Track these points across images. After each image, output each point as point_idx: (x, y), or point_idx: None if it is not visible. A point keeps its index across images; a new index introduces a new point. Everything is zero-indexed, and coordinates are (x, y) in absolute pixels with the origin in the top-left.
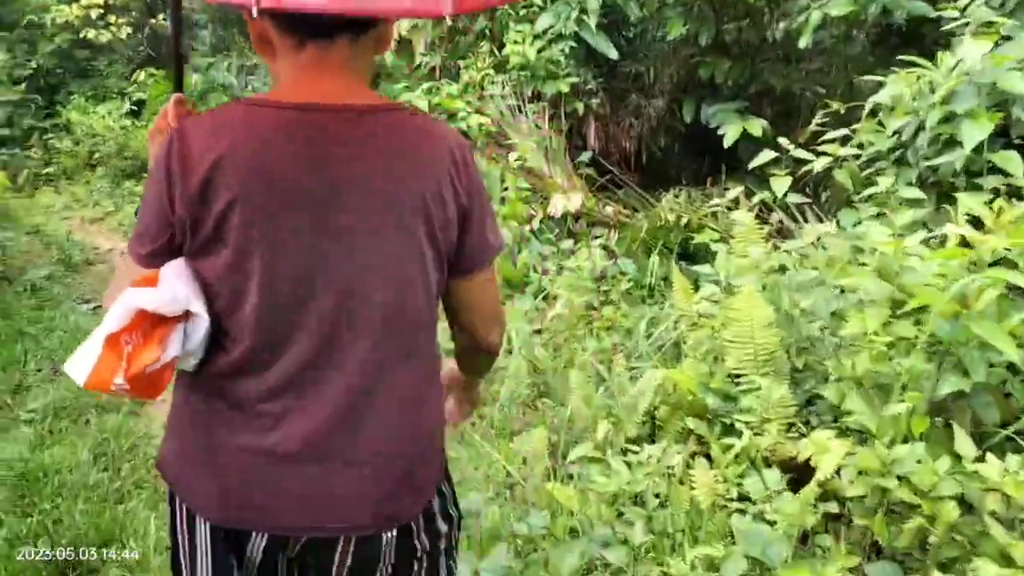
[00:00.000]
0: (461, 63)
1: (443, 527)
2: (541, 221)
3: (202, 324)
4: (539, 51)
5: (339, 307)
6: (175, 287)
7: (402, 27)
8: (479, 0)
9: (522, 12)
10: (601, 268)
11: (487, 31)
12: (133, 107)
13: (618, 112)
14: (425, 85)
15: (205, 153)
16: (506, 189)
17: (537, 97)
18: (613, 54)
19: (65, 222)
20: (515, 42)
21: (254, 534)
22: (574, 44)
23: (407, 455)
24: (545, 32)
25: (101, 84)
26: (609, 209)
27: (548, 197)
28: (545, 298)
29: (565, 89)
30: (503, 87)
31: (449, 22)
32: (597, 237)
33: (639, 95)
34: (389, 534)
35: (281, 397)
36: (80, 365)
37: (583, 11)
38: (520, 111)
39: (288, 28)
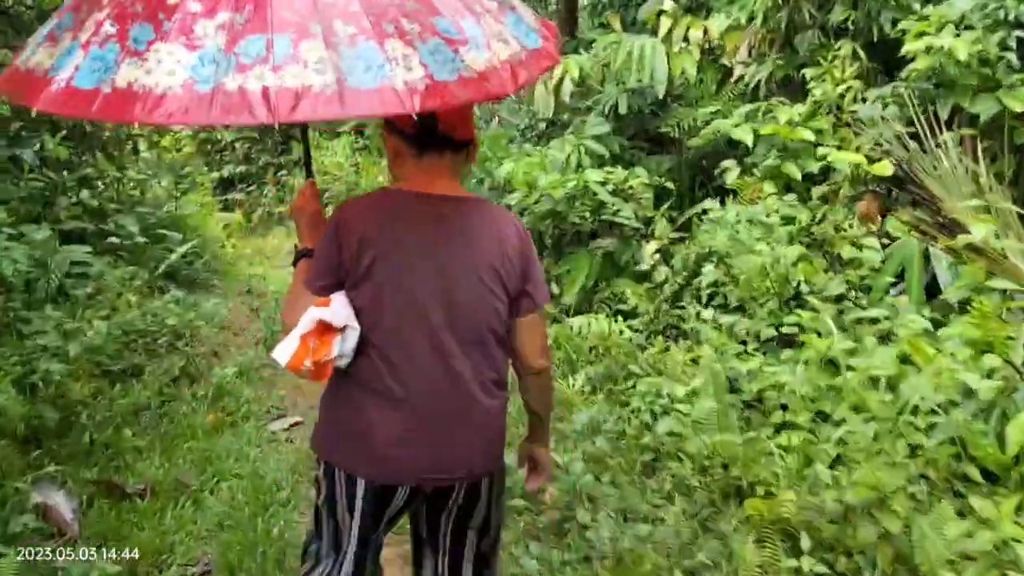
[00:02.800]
0: (807, 73)
1: (506, 481)
2: None
3: (354, 334)
4: (972, 44)
5: (443, 327)
6: (340, 308)
7: (713, 29)
8: (451, 96)
9: None
10: None
11: (849, 23)
12: (366, 142)
13: None
14: (745, 108)
15: (359, 224)
16: (934, 282)
17: (952, 121)
18: None
19: (285, 271)
20: (920, 34)
21: (400, 488)
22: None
23: (494, 428)
24: (966, 17)
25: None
26: None
27: None
28: None
29: (1019, 108)
30: (884, 106)
31: (782, 18)
32: None
33: None
34: (486, 480)
35: (410, 386)
36: (283, 354)
37: None
38: (930, 144)
39: (414, 143)
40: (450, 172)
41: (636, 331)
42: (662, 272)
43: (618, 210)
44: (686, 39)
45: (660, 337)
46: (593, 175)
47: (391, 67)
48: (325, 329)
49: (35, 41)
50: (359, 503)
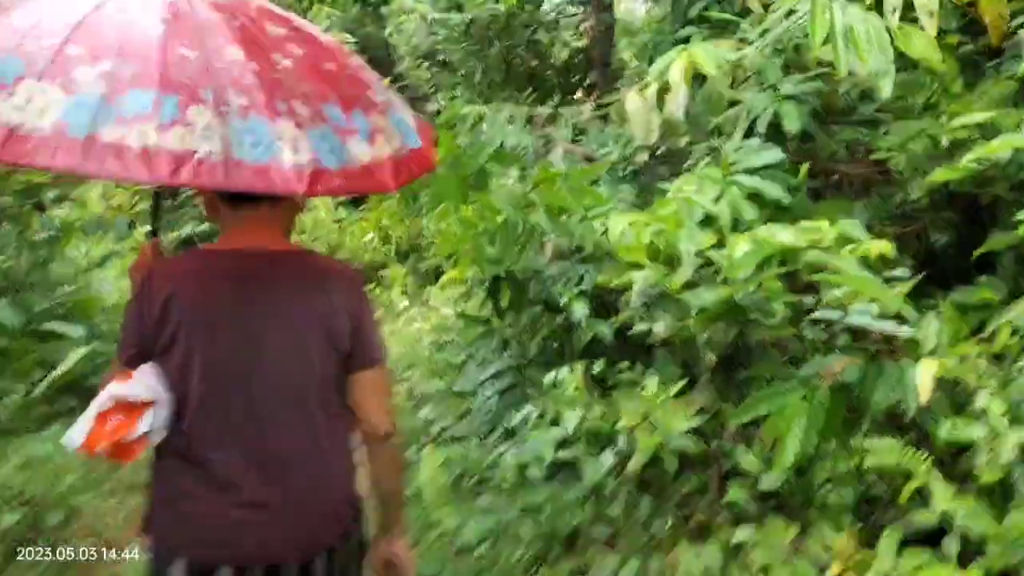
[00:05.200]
0: None
1: (356, 553)
2: None
3: (164, 408)
4: None
5: (261, 394)
6: (145, 381)
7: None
8: (338, 183)
9: None
10: None
11: None
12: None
13: None
14: None
15: (164, 288)
16: None
17: None
18: None
19: None
20: None
21: (221, 567)
22: None
23: (329, 500)
24: None
25: None
26: None
27: None
28: None
29: None
30: None
31: None
32: None
33: None
34: (320, 559)
35: (226, 458)
36: (75, 436)
37: None
38: None
39: (227, 197)
40: (271, 225)
41: None
42: (993, 447)
43: (847, 303)
44: (904, 9)
45: None
46: (785, 235)
47: (279, 146)
48: (131, 406)
49: None
50: None
